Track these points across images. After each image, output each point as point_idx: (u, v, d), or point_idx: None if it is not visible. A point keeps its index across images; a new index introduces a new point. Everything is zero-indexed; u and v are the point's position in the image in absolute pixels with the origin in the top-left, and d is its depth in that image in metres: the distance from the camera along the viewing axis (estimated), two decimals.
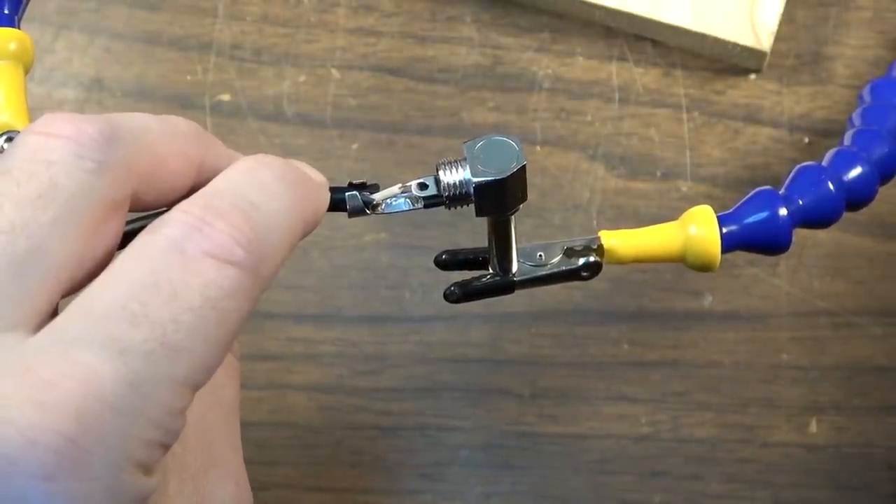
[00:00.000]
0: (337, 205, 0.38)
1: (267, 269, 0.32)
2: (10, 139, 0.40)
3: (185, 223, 0.31)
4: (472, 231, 0.57)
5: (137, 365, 0.29)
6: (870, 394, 0.57)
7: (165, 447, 0.31)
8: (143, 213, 0.35)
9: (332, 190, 0.38)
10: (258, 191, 0.33)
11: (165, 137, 0.34)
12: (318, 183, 0.36)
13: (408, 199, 0.37)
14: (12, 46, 0.43)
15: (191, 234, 0.31)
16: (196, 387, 0.31)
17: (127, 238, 0.33)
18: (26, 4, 0.45)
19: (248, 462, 0.57)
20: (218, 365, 0.31)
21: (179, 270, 0.30)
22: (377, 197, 0.37)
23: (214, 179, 0.33)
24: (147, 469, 0.30)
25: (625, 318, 0.58)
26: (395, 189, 0.37)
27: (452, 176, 0.36)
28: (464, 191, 0.36)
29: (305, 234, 0.35)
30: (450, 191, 0.36)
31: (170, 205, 0.33)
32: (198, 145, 0.35)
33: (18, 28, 0.44)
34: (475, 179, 0.36)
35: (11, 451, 0.27)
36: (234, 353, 0.39)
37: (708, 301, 0.58)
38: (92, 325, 0.29)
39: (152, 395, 0.29)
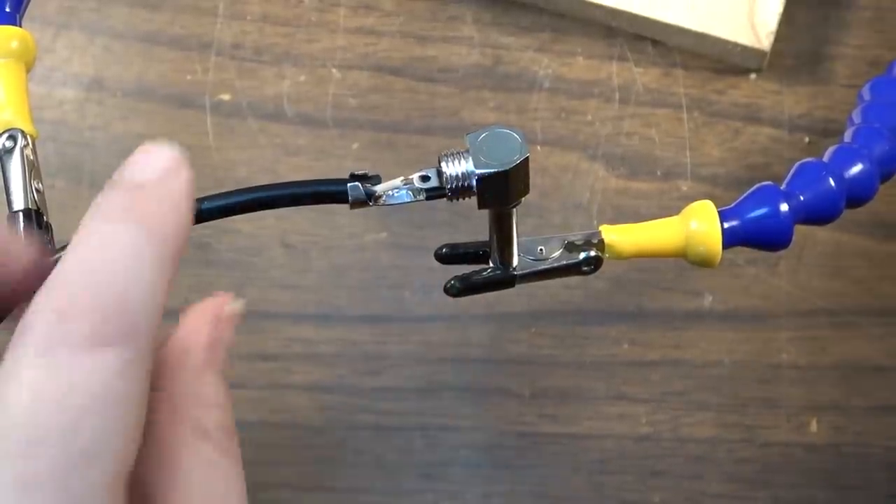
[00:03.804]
0: (339, 196, 0.37)
1: (146, 326, 0.30)
2: (11, 137, 0.40)
3: (44, 324, 0.29)
4: (472, 231, 0.57)
5: (55, 494, 0.28)
6: (869, 394, 0.57)
7: None
8: None
9: (334, 181, 0.38)
10: (103, 254, 0.30)
11: None
12: (168, 179, 0.32)
13: (410, 191, 0.37)
14: (14, 45, 0.43)
15: (53, 335, 0.29)
16: (121, 476, 0.29)
17: None
18: (27, 3, 0.45)
19: (249, 462, 0.57)
20: (137, 444, 0.29)
21: (57, 377, 0.28)
22: (379, 189, 0.37)
23: (55, 268, 0.31)
24: None
25: (625, 318, 0.58)
26: (398, 182, 0.37)
27: (455, 168, 0.36)
28: (466, 183, 0.36)
29: (178, 250, 0.32)
30: (452, 183, 0.36)
31: None
32: None
33: (20, 26, 0.44)
34: (478, 171, 0.36)
35: None
36: (233, 455, 0.37)
37: (708, 301, 0.58)
38: None
39: None
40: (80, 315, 0.29)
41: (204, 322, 0.35)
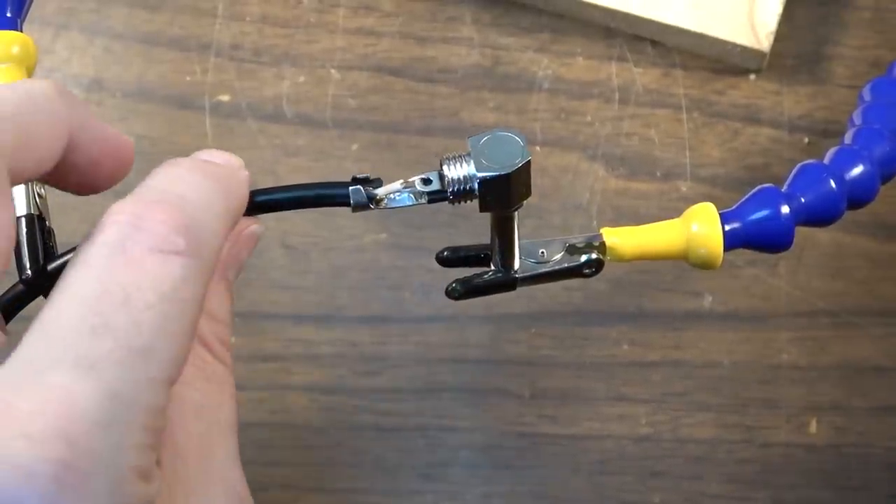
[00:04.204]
0: (340, 199, 0.38)
1: (209, 252, 0.32)
2: None
3: (121, 224, 0.31)
4: (472, 232, 0.57)
5: (112, 376, 0.29)
6: (870, 394, 0.57)
7: (156, 448, 0.31)
8: None
9: (336, 185, 0.38)
10: (183, 184, 0.33)
11: (27, 106, 0.33)
12: (235, 167, 0.37)
13: (411, 195, 0.37)
14: (15, 50, 0.43)
15: (129, 234, 0.31)
16: (172, 381, 0.31)
17: None
18: (28, 7, 0.45)
19: (249, 462, 0.57)
20: (188, 353, 0.32)
21: (127, 272, 0.30)
22: (380, 192, 0.37)
23: (139, 185, 0.34)
24: (146, 475, 0.30)
25: (625, 319, 0.58)
26: (398, 185, 0.37)
27: (456, 171, 0.36)
28: (468, 186, 0.36)
29: (236, 217, 0.36)
30: (454, 186, 0.36)
31: (47, 172, 0.33)
32: (61, 101, 0.34)
33: (20, 31, 0.44)
34: (479, 174, 0.36)
35: (11, 489, 0.27)
36: (228, 365, 0.39)
37: (708, 301, 0.58)
38: (56, 347, 0.29)
39: (134, 402, 0.29)
40: (155, 222, 0.31)
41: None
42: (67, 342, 0.29)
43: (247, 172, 0.37)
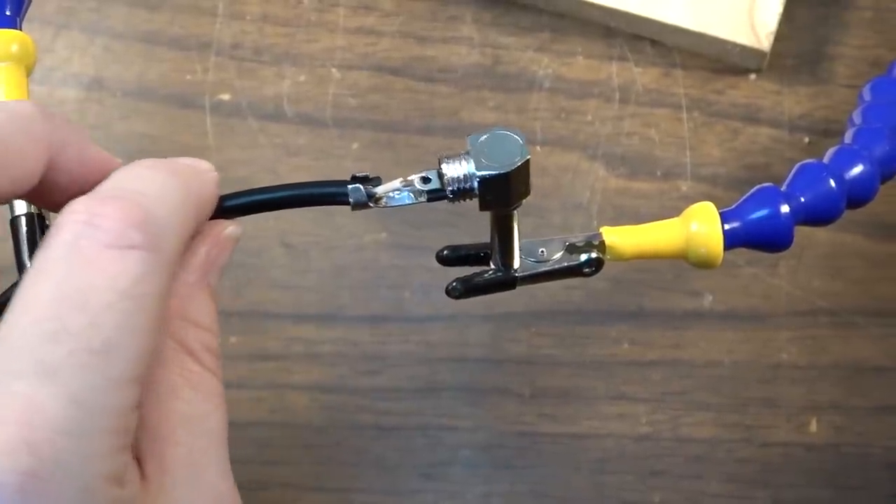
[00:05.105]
0: (340, 198, 0.38)
1: (168, 244, 0.32)
2: None
3: (75, 222, 0.31)
4: (472, 231, 0.57)
5: (74, 381, 0.29)
6: (869, 394, 0.57)
7: (128, 448, 0.31)
8: None
9: (335, 183, 0.38)
10: (141, 180, 0.33)
11: (2, 126, 0.33)
12: (201, 168, 0.37)
13: (411, 193, 0.37)
14: (14, 48, 0.43)
15: (83, 232, 0.31)
16: (139, 378, 0.30)
17: None
18: (28, 5, 0.45)
19: (248, 462, 0.57)
20: (154, 350, 0.31)
21: (83, 272, 0.30)
22: (379, 190, 0.37)
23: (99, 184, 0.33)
24: (117, 479, 0.30)
25: (625, 318, 0.58)
26: (398, 183, 0.37)
27: (456, 170, 0.36)
28: (467, 185, 0.36)
29: (201, 214, 0.36)
30: (453, 185, 0.36)
31: (28, 191, 0.33)
32: (41, 122, 0.34)
33: (20, 29, 0.44)
34: (479, 173, 0.36)
35: None
36: (216, 374, 0.38)
37: (708, 301, 0.58)
38: (18, 355, 0.29)
39: (98, 405, 0.29)
40: (109, 218, 0.31)
41: (201, 242, 0.37)
42: (28, 349, 0.29)
43: (215, 173, 0.37)
